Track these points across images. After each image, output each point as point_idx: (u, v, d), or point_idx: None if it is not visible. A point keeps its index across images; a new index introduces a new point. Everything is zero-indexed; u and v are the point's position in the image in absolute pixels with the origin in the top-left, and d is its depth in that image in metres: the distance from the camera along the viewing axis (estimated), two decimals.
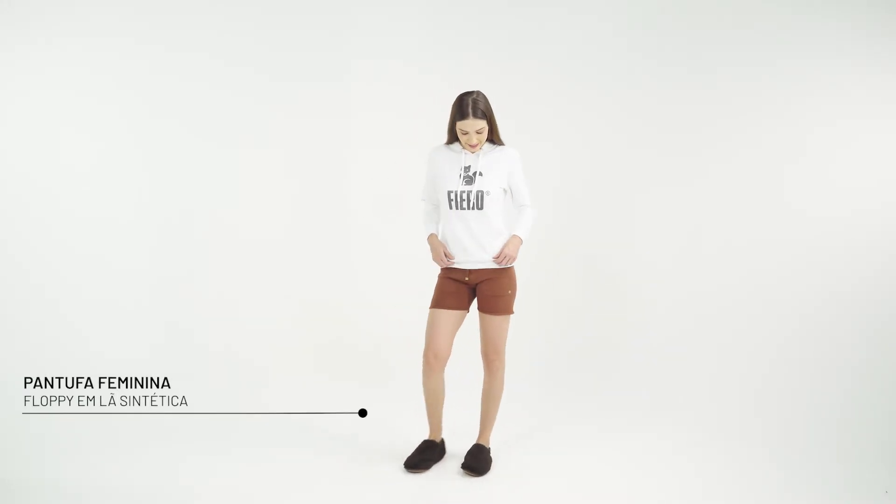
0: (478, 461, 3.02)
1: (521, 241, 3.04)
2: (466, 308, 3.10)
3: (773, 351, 3.93)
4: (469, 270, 3.03)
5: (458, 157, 3.02)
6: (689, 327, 4.13)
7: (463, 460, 3.04)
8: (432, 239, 3.12)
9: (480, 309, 3.07)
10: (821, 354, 3.84)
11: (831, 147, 4.00)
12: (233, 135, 4.33)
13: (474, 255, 3.01)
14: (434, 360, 3.03)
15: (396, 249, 4.44)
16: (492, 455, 3.13)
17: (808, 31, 3.96)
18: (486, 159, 2.99)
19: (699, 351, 4.06)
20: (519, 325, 4.41)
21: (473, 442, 3.15)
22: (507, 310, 3.05)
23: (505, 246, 3.00)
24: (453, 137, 3.03)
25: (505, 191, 3.04)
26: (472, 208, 2.97)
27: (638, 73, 4.31)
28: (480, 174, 2.97)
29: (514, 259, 3.02)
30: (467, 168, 2.99)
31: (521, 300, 4.49)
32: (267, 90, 4.37)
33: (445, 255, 3.05)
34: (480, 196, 2.95)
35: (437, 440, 3.16)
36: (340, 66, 4.50)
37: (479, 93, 2.95)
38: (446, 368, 3.09)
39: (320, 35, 4.46)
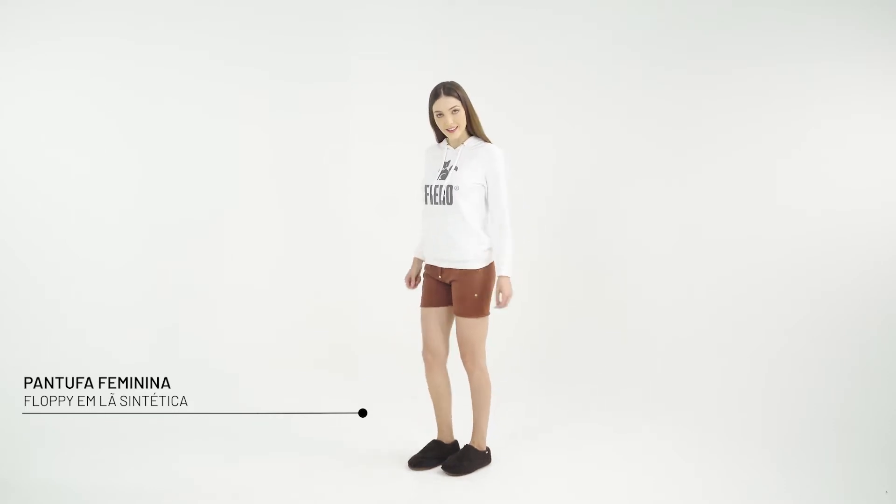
0: (458, 461, 3.03)
1: (509, 279, 2.94)
2: (450, 304, 3.07)
3: (774, 351, 3.92)
4: (441, 269, 3.03)
5: (443, 153, 3.03)
6: (689, 327, 4.13)
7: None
8: (413, 261, 3.19)
9: (453, 309, 3.05)
10: (821, 354, 3.83)
11: (833, 145, 3.98)
12: (232, 135, 4.33)
13: (444, 253, 2.99)
14: (431, 358, 3.07)
15: (396, 249, 4.42)
16: (490, 455, 3.12)
17: (808, 28, 3.94)
18: (465, 154, 2.98)
19: (699, 351, 4.06)
20: (518, 323, 4.45)
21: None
22: (473, 312, 2.97)
23: (499, 291, 2.94)
24: (438, 134, 3.04)
25: (482, 187, 2.95)
26: (443, 203, 2.95)
27: (637, 72, 4.31)
28: (456, 169, 2.95)
29: (511, 296, 2.95)
30: (447, 163, 2.99)
31: (520, 299, 4.52)
32: (266, 90, 4.38)
33: (412, 280, 3.17)
34: (450, 191, 2.93)
35: (447, 441, 3.15)
36: (341, 66, 4.51)
37: (452, 81, 2.98)
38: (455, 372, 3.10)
39: (320, 34, 4.47)
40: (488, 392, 3.07)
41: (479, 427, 3.09)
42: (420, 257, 3.16)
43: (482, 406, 3.07)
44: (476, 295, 2.96)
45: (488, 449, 3.12)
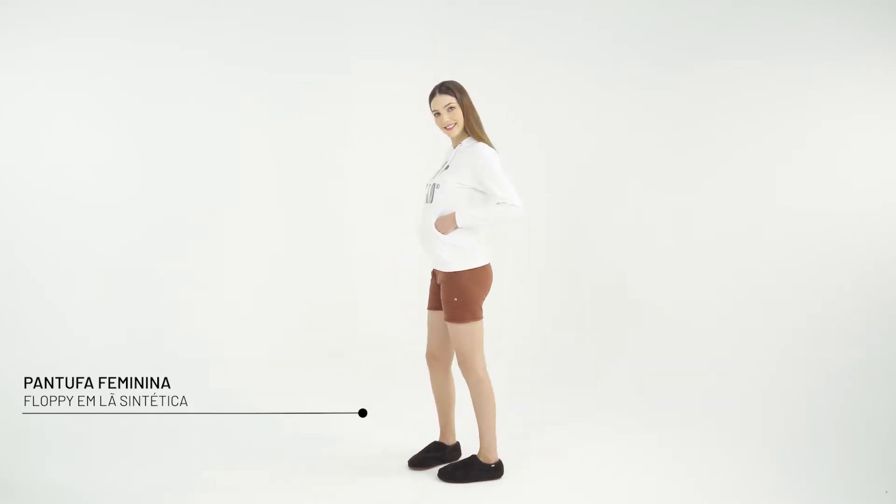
0: (454, 468, 2.97)
1: (452, 218, 2.80)
2: None
3: (775, 351, 3.92)
4: (434, 269, 3.01)
5: (447, 154, 3.02)
6: (689, 328, 4.13)
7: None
8: None
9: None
10: (821, 354, 3.84)
11: (833, 145, 3.98)
12: (232, 135, 4.33)
13: (426, 253, 2.93)
14: (432, 361, 3.07)
15: (397, 249, 4.44)
16: (501, 469, 2.98)
17: (808, 28, 3.95)
18: (458, 154, 2.92)
19: (700, 351, 4.06)
20: (517, 324, 4.45)
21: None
22: (454, 317, 2.84)
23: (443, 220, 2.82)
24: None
25: (475, 189, 2.85)
26: (427, 201, 2.92)
27: (637, 73, 4.31)
28: (447, 167, 2.92)
29: (440, 227, 2.81)
30: (444, 163, 2.99)
31: (521, 299, 4.53)
32: (266, 91, 4.38)
33: None
34: (432, 189, 2.90)
35: (448, 443, 3.13)
36: (341, 66, 4.51)
37: (453, 80, 2.93)
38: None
39: (320, 34, 4.47)
40: (486, 401, 2.91)
41: (482, 437, 2.97)
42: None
43: (481, 415, 2.93)
44: (455, 299, 2.83)
45: (498, 463, 2.99)
